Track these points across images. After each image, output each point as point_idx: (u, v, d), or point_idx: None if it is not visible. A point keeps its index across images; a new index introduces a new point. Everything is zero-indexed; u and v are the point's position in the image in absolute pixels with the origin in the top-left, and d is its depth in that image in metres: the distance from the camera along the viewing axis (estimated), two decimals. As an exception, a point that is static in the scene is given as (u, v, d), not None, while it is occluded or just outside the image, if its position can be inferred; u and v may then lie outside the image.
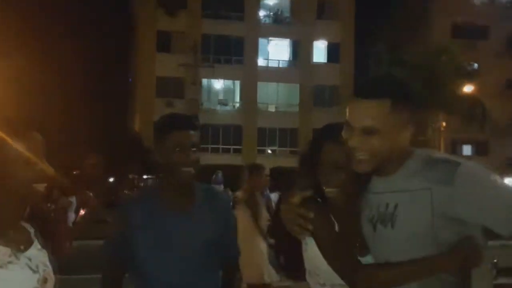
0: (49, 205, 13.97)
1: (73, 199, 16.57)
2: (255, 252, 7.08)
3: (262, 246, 7.42)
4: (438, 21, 40.99)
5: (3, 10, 28.66)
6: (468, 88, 32.63)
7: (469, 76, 34.16)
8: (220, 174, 14.58)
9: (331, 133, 2.12)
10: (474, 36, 40.80)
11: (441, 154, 1.95)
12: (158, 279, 2.57)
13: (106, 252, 2.71)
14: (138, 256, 2.56)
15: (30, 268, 1.92)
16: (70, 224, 14.07)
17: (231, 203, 2.88)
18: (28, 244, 1.96)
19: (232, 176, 12.48)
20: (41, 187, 1.96)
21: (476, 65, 38.68)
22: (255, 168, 8.03)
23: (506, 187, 1.80)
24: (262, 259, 7.20)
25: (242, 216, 7.24)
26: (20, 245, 1.92)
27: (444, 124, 33.85)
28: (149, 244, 2.55)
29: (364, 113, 1.83)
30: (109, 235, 2.73)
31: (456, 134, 36.76)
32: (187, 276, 2.54)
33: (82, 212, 16.54)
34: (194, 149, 2.58)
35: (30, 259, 1.93)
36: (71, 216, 14.22)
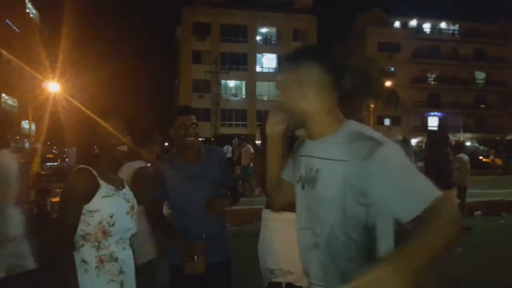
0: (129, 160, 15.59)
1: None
2: None
3: None
4: (369, 40, 41.04)
5: (96, 40, 29.18)
6: (387, 83, 32.20)
7: (388, 75, 33.77)
8: (236, 139, 14.68)
9: None
10: (391, 50, 40.81)
11: (372, 131, 1.33)
12: (181, 206, 2.43)
13: (151, 188, 2.51)
14: (168, 192, 2.43)
15: (125, 199, 1.89)
16: None
17: (225, 154, 2.35)
18: (122, 186, 1.93)
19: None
20: (125, 149, 1.88)
21: (392, 68, 38.34)
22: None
23: (416, 176, 1.22)
24: None
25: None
26: (119, 185, 1.90)
27: (372, 106, 33.34)
28: (173, 184, 2.41)
29: (278, 74, 1.43)
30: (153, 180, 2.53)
31: (380, 112, 36.44)
32: (198, 201, 2.35)
33: (149, 164, 18.27)
34: (194, 126, 2.42)
35: (125, 194, 1.90)
36: None
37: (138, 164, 2.98)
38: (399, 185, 1.21)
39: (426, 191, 1.19)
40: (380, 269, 1.03)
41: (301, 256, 1.44)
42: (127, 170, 2.79)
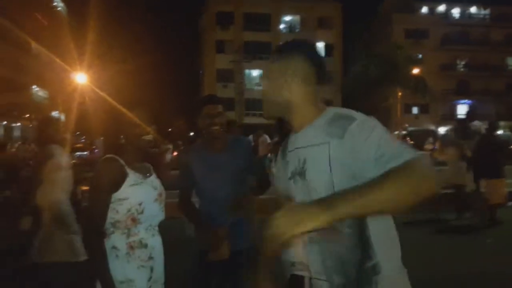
0: (155, 149, 15.51)
1: (170, 146, 18.20)
2: None
3: None
4: (395, 27, 40.32)
5: (120, 32, 29.53)
6: (415, 71, 31.61)
7: (416, 63, 33.06)
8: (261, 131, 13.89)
9: None
10: (419, 36, 40.06)
11: (348, 111, 1.35)
12: (208, 194, 2.46)
13: (180, 177, 2.54)
14: (196, 179, 2.46)
15: (153, 186, 1.92)
16: (168, 161, 16.76)
17: (251, 144, 2.67)
18: (150, 173, 1.96)
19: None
20: (150, 138, 1.91)
21: (420, 55, 37.60)
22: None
23: (392, 142, 1.24)
24: None
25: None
26: (146, 173, 1.93)
27: (400, 94, 32.91)
28: (201, 172, 2.44)
29: (266, 65, 1.46)
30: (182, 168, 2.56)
31: (408, 100, 35.70)
32: (226, 190, 2.36)
33: (174, 153, 18.15)
34: (220, 115, 2.43)
35: (152, 181, 1.93)
36: (169, 156, 16.99)
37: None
38: (377, 153, 1.21)
39: (403, 153, 1.19)
40: (312, 202, 1.13)
41: (301, 250, 1.43)
42: None
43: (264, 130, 13.79)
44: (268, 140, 12.92)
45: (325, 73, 1.45)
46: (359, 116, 1.32)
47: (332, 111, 1.39)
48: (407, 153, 1.19)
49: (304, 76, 1.39)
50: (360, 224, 1.29)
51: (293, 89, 1.39)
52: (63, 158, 3.25)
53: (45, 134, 3.62)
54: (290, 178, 1.44)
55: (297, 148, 1.41)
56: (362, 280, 1.29)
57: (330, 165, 1.29)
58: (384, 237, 1.32)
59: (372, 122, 1.30)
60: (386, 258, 1.31)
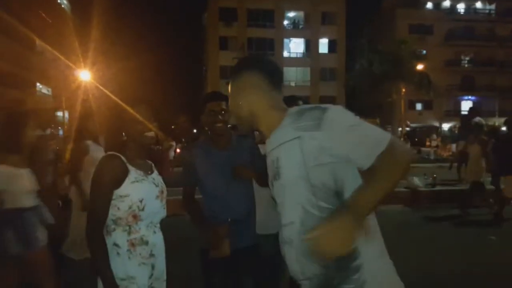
0: (158, 147, 15.27)
1: (173, 143, 18.02)
2: None
3: None
4: (399, 23, 40.06)
5: (124, 30, 29.66)
6: (419, 66, 31.32)
7: (420, 58, 32.77)
8: None
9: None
10: (423, 32, 39.75)
11: (312, 104, 1.45)
12: (211, 191, 2.41)
13: (184, 174, 2.49)
14: (199, 177, 2.42)
15: (154, 184, 1.92)
16: (171, 158, 15.16)
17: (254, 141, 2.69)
18: (151, 171, 1.97)
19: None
20: (152, 135, 1.90)
21: (424, 51, 37.20)
22: None
23: (367, 128, 1.33)
24: None
25: None
26: (147, 170, 1.93)
27: (404, 90, 32.64)
28: (204, 169, 2.41)
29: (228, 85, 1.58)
30: (186, 165, 2.50)
31: (412, 96, 35.36)
32: (229, 187, 2.36)
33: (178, 150, 18.04)
34: (223, 112, 2.39)
35: (154, 178, 1.94)
36: (171, 153, 15.49)
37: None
38: (354, 139, 1.32)
39: (379, 138, 1.32)
40: (337, 218, 1.26)
41: (284, 253, 1.51)
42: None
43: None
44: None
45: (279, 78, 1.54)
46: (328, 105, 1.39)
47: (294, 109, 1.46)
48: (385, 135, 1.33)
49: (257, 87, 1.49)
50: (341, 200, 1.36)
51: (251, 101, 1.50)
52: (98, 154, 3.20)
53: (85, 129, 3.68)
54: (271, 181, 1.54)
55: (271, 150, 1.50)
56: (342, 267, 1.35)
57: (303, 159, 1.36)
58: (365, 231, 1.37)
59: (343, 109, 1.39)
60: (366, 244, 1.36)
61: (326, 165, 1.34)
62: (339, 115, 1.36)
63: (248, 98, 1.50)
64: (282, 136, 1.43)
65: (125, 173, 1.81)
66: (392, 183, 1.31)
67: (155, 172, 2.00)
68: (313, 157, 1.34)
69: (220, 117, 2.39)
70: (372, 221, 1.41)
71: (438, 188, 9.06)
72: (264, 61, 1.56)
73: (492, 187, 7.00)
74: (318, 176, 1.35)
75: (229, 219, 2.28)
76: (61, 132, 26.10)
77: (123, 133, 1.89)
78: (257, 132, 2.61)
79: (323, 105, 1.39)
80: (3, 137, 2.95)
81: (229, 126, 2.52)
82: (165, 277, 1.97)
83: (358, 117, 1.37)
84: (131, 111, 1.85)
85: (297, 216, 1.39)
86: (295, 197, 1.39)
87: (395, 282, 1.43)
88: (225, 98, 2.45)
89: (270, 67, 1.54)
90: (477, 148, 7.18)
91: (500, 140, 6.95)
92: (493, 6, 44.04)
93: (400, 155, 1.31)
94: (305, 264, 1.40)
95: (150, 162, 2.02)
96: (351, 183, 1.36)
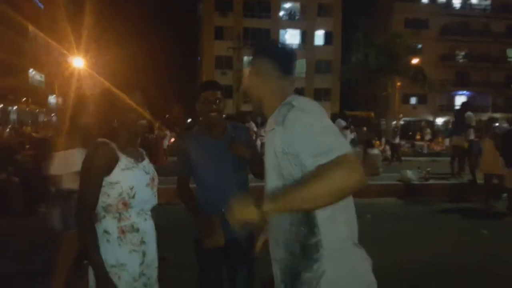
0: (152, 135, 14.44)
1: (167, 132, 17.81)
2: None
3: None
4: (396, 16, 39.99)
5: (118, 17, 29.27)
6: (414, 60, 31.14)
7: (415, 52, 32.86)
8: (248, 117, 14.20)
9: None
10: (419, 26, 39.62)
11: (296, 99, 1.49)
12: (205, 181, 2.41)
13: (178, 163, 2.49)
14: (193, 166, 2.42)
15: (145, 171, 1.91)
16: (165, 147, 15.20)
17: (248, 131, 2.68)
18: (142, 158, 1.96)
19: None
20: (145, 123, 1.89)
21: (420, 45, 37.45)
22: None
23: (326, 134, 1.36)
24: None
25: None
26: (138, 158, 1.92)
27: (399, 84, 32.39)
28: (198, 159, 2.40)
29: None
30: (180, 155, 2.50)
31: (406, 90, 35.53)
32: (223, 177, 2.36)
33: (172, 140, 17.91)
34: (218, 102, 2.38)
35: (144, 166, 1.93)
36: (165, 143, 15.55)
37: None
38: (305, 138, 1.37)
39: (331, 148, 1.32)
40: (251, 201, 1.37)
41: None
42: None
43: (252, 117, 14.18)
44: (255, 128, 12.94)
45: (290, 64, 1.60)
46: (298, 103, 1.46)
47: (286, 100, 1.51)
48: (340, 149, 1.31)
49: (269, 73, 1.58)
50: None
51: (259, 87, 1.60)
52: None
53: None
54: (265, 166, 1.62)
55: (264, 136, 1.61)
56: (305, 255, 1.43)
57: (275, 148, 1.47)
58: (330, 216, 1.42)
59: (308, 111, 1.44)
60: (330, 236, 1.42)
61: (290, 158, 1.42)
62: (298, 115, 1.42)
63: (257, 83, 1.60)
64: (268, 125, 1.55)
65: (115, 160, 1.80)
66: (314, 202, 1.30)
67: (146, 159, 1.99)
68: (281, 149, 1.44)
69: (214, 106, 2.38)
70: (341, 212, 1.45)
71: (431, 181, 9.15)
72: (276, 48, 1.63)
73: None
74: (286, 167, 1.44)
75: (223, 209, 2.26)
76: (54, 119, 25.88)
77: (115, 120, 1.87)
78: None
79: (293, 102, 1.46)
80: (75, 122, 3.14)
81: (223, 116, 2.49)
82: (156, 264, 1.95)
83: (325, 121, 1.41)
84: (125, 98, 1.84)
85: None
86: (273, 182, 1.50)
87: (361, 274, 1.44)
88: (220, 87, 2.45)
89: (281, 52, 1.61)
90: (490, 142, 7.28)
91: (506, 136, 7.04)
92: (488, 2, 44.06)
93: (340, 177, 1.26)
94: (275, 247, 1.53)
95: (141, 149, 2.01)
96: None
